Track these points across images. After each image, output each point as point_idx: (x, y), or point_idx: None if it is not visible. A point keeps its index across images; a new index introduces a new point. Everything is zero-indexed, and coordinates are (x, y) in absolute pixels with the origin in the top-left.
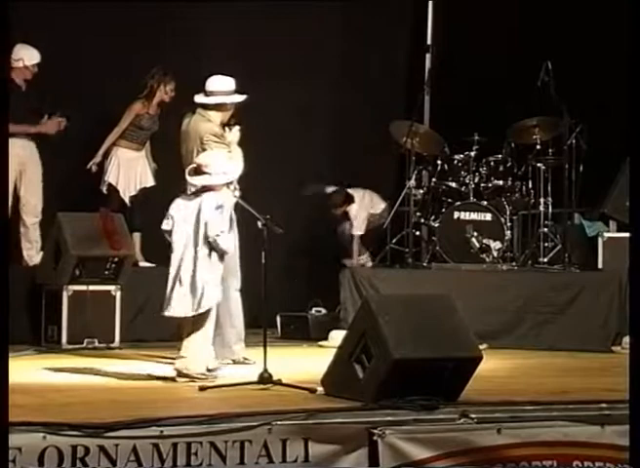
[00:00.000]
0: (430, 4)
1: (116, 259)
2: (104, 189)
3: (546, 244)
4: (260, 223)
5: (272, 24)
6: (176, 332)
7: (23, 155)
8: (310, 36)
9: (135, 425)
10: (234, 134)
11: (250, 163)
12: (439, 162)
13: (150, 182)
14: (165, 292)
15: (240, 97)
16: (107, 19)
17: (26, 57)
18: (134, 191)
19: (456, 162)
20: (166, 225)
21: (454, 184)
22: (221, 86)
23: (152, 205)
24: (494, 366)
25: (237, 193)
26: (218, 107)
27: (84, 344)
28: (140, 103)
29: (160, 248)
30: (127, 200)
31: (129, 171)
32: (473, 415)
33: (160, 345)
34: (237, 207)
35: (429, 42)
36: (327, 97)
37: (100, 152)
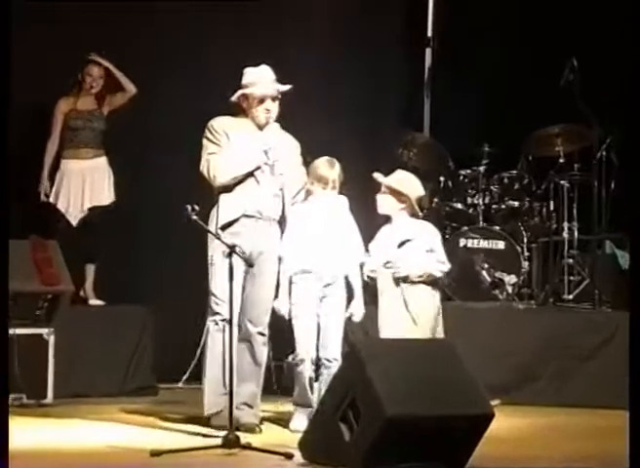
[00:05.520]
0: None
1: (49, 296)
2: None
3: (572, 277)
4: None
5: (265, 22)
6: None
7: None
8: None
9: None
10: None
11: None
12: (442, 178)
13: (106, 200)
14: None
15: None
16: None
17: None
18: (80, 213)
19: (462, 178)
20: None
21: (459, 205)
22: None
23: (112, 229)
24: (507, 425)
25: None
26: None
27: (9, 401)
28: (63, 102)
29: (114, 283)
30: (73, 222)
31: (73, 186)
32: None
33: (103, 401)
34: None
35: (430, 34)
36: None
37: (42, 181)
